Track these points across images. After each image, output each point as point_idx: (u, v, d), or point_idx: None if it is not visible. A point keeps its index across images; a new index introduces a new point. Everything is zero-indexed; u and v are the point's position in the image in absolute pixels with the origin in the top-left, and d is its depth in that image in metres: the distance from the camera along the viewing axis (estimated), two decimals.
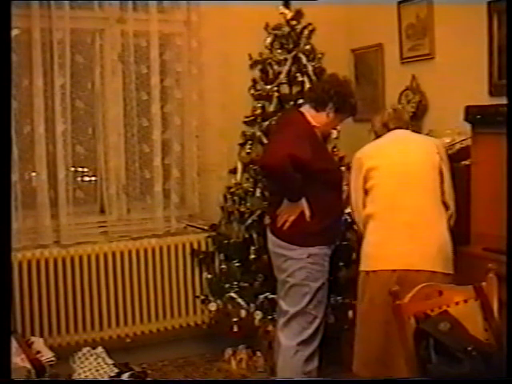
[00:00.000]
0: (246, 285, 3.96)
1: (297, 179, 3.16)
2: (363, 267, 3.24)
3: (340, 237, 3.69)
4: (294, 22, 4.01)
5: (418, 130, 4.18)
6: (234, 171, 4.14)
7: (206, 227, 4.35)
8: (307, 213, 3.27)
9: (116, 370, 3.81)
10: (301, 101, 3.78)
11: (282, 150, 3.10)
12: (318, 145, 3.38)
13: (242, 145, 4.10)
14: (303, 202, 3.26)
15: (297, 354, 3.33)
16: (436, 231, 3.21)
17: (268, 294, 3.78)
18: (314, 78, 3.99)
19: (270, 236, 3.46)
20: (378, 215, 3.25)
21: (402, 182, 3.24)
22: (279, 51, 4.01)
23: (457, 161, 3.63)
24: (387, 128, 3.42)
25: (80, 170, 4.32)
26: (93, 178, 4.35)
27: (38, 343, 3.61)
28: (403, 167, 3.26)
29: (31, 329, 3.96)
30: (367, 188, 3.30)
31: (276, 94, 3.99)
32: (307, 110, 3.42)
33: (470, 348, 2.35)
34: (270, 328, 3.80)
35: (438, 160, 3.27)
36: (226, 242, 4.12)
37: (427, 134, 4.02)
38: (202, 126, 4.43)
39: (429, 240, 3.18)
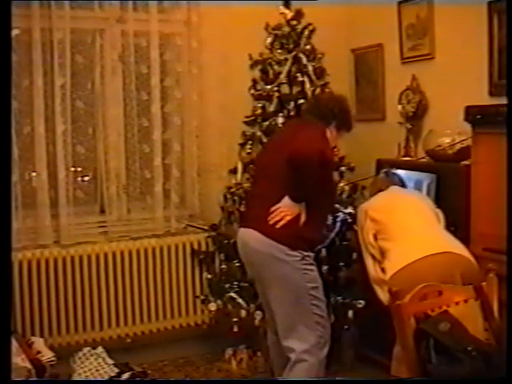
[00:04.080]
0: (245, 285, 3.95)
1: (315, 178, 3.13)
2: (409, 259, 3.14)
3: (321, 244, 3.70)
4: (294, 22, 4.01)
5: (418, 131, 4.20)
6: (234, 171, 4.14)
7: (206, 227, 4.35)
8: (303, 217, 3.23)
9: (116, 370, 3.81)
10: (301, 100, 3.78)
11: (317, 145, 3.10)
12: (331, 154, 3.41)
13: (242, 145, 4.10)
14: (303, 205, 3.23)
15: (312, 357, 3.22)
16: (451, 236, 3.31)
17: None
18: (314, 77, 4.00)
19: (253, 233, 3.28)
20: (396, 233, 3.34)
21: (410, 212, 3.42)
22: (279, 51, 4.01)
23: (457, 161, 3.63)
24: (382, 190, 3.63)
25: (80, 169, 4.32)
26: (93, 178, 4.35)
27: (38, 343, 3.61)
28: (407, 204, 3.48)
29: (31, 329, 3.96)
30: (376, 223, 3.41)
31: (276, 94, 3.99)
32: None
33: (469, 348, 2.36)
34: None
35: (431, 203, 3.52)
36: (226, 241, 4.11)
37: (427, 134, 4.03)
38: (202, 125, 4.43)
39: (453, 238, 3.28)
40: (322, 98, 3.77)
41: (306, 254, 3.23)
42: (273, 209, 3.20)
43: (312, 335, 3.24)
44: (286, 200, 3.18)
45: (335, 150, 4.04)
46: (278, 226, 3.19)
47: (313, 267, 3.28)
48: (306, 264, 3.23)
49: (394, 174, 3.72)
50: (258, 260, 3.31)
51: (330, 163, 3.18)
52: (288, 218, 3.17)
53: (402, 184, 3.68)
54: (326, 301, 3.78)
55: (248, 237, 3.33)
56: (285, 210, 3.18)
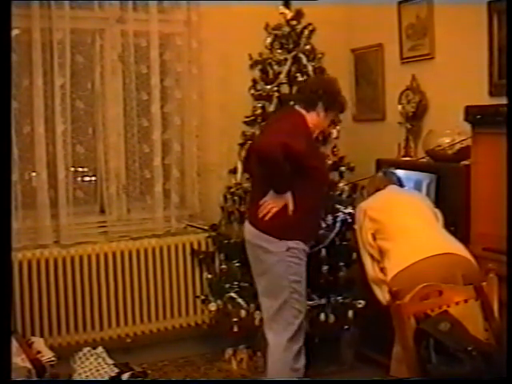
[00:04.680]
0: (245, 285, 3.95)
1: (287, 170, 3.17)
2: (410, 261, 3.13)
3: (317, 236, 3.69)
4: (294, 22, 4.00)
5: (418, 131, 4.20)
6: (234, 171, 4.13)
7: (206, 227, 4.35)
8: (290, 207, 3.27)
9: (116, 370, 3.81)
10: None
11: (278, 139, 3.12)
12: (311, 142, 3.41)
13: (242, 145, 4.09)
14: (288, 195, 3.27)
15: (286, 351, 3.32)
16: (450, 236, 3.29)
17: None
18: None
19: (248, 226, 3.43)
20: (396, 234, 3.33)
21: (409, 212, 3.40)
22: (279, 51, 4.01)
23: (457, 161, 3.63)
24: (380, 189, 3.61)
25: (80, 169, 4.32)
26: (93, 178, 4.35)
27: (39, 343, 3.61)
28: (406, 204, 3.46)
29: (31, 329, 3.96)
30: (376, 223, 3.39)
31: (276, 94, 3.99)
32: (299, 110, 3.41)
33: (470, 348, 2.36)
34: None
35: (430, 202, 3.51)
36: (226, 241, 4.11)
37: (427, 134, 4.02)
38: (202, 125, 4.43)
39: (453, 238, 3.27)
40: (307, 81, 3.77)
41: (292, 245, 3.26)
42: (261, 203, 3.31)
43: (288, 329, 3.31)
44: (271, 193, 3.27)
45: (335, 149, 4.07)
46: (266, 218, 3.28)
47: (298, 261, 3.31)
48: (291, 256, 3.27)
49: (392, 173, 3.72)
50: (250, 251, 3.45)
51: (299, 154, 3.14)
52: (274, 209, 3.28)
53: (400, 183, 3.68)
54: (326, 301, 3.82)
55: (245, 231, 3.47)
56: (271, 202, 3.27)
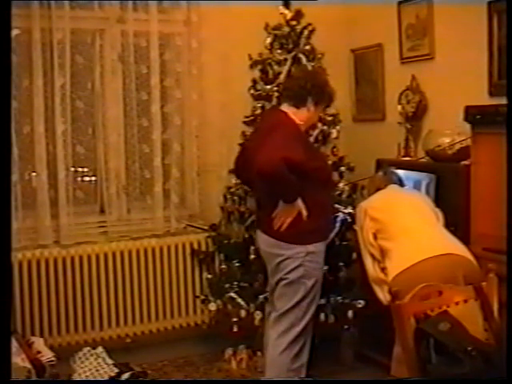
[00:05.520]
0: (245, 285, 3.95)
1: (293, 181, 3.15)
2: (411, 261, 3.14)
3: (333, 231, 3.70)
4: (293, 22, 4.00)
5: (418, 131, 4.20)
6: (233, 171, 4.13)
7: (205, 227, 4.35)
8: (304, 212, 3.26)
9: (116, 370, 3.81)
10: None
11: (276, 154, 3.07)
12: (306, 143, 3.41)
13: (242, 145, 4.09)
14: (299, 202, 3.25)
15: (285, 351, 3.33)
16: (451, 236, 3.30)
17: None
18: None
19: (264, 237, 3.42)
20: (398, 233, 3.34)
21: (410, 212, 3.41)
22: (279, 51, 4.01)
23: (457, 161, 3.63)
24: (381, 189, 3.61)
25: (80, 169, 4.32)
26: (93, 178, 4.35)
27: (38, 343, 3.61)
28: (407, 203, 3.47)
29: (31, 329, 3.96)
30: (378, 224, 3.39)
31: (276, 93, 3.99)
32: (288, 109, 3.38)
33: (469, 348, 2.35)
34: None
35: (430, 202, 3.52)
36: (226, 242, 4.12)
37: (427, 134, 4.03)
38: (202, 126, 4.43)
39: (454, 238, 3.28)
40: (294, 76, 3.71)
41: (311, 250, 3.28)
42: (273, 216, 3.29)
43: (291, 331, 3.33)
44: (281, 204, 3.25)
45: (335, 149, 4.07)
46: (282, 229, 3.27)
47: (317, 265, 3.32)
48: (310, 261, 3.29)
49: (393, 172, 3.72)
50: (268, 261, 3.44)
51: (300, 163, 3.13)
52: (289, 220, 3.23)
53: (401, 183, 3.69)
54: (326, 301, 3.82)
55: (260, 240, 3.48)
56: (283, 214, 3.24)
